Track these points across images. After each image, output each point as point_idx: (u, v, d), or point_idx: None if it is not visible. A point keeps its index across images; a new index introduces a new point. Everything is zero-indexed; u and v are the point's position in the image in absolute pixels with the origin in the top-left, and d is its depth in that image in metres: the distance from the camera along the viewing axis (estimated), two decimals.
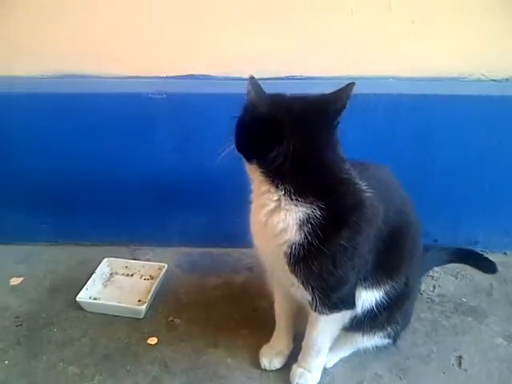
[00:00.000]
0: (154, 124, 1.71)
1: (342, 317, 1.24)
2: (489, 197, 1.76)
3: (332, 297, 1.17)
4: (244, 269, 1.73)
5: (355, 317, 1.26)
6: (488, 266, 1.72)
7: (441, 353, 1.45)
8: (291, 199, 1.08)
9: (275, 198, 1.10)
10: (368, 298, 1.23)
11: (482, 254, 1.76)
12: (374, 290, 1.23)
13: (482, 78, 1.67)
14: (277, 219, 1.10)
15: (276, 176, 1.08)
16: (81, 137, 1.73)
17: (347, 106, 1.08)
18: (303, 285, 1.15)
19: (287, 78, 1.70)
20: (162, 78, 1.71)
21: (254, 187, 1.16)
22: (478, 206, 1.78)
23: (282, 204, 1.09)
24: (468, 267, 1.76)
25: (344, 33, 1.63)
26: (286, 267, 1.13)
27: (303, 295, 1.19)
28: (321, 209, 1.08)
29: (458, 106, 1.64)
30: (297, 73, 1.69)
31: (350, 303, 1.21)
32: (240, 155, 1.12)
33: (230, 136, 1.12)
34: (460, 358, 1.43)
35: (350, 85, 1.08)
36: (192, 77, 1.71)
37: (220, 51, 1.67)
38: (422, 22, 1.60)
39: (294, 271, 1.13)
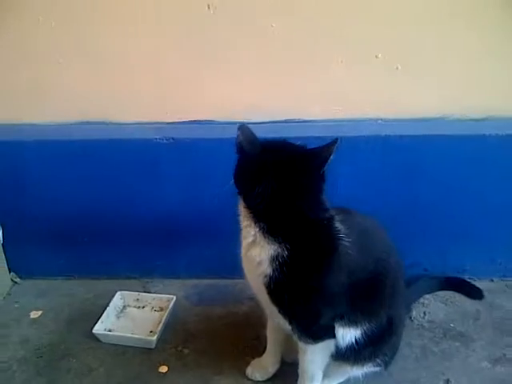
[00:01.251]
0: (162, 166, 1.83)
1: (328, 346, 1.34)
2: (474, 227, 1.87)
3: (309, 327, 1.29)
4: (247, 299, 1.83)
5: (340, 349, 1.36)
6: (475, 293, 1.86)
7: (430, 377, 1.55)
8: (264, 236, 1.21)
9: (252, 233, 1.23)
10: (346, 334, 1.33)
11: (469, 282, 1.89)
12: (351, 329, 1.33)
13: (463, 117, 1.79)
14: (254, 252, 1.24)
15: (255, 213, 1.21)
16: (93, 179, 1.86)
17: (330, 160, 1.19)
18: (281, 314, 1.28)
19: (285, 122, 1.83)
20: (169, 123, 1.84)
21: (241, 220, 1.28)
22: (464, 236, 1.88)
23: (257, 239, 1.23)
24: (457, 294, 1.87)
25: (335, 80, 1.76)
26: (267, 296, 1.27)
27: (285, 324, 1.31)
28: (288, 249, 1.20)
29: (442, 145, 1.77)
30: (294, 116, 1.83)
31: (329, 334, 1.32)
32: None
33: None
34: (448, 381, 1.53)
35: (335, 141, 1.20)
36: (197, 122, 1.84)
37: (223, 98, 1.80)
38: (405, 68, 1.73)
39: (272, 301, 1.27)
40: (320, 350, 1.36)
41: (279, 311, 1.29)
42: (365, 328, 1.34)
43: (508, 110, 1.78)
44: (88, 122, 1.86)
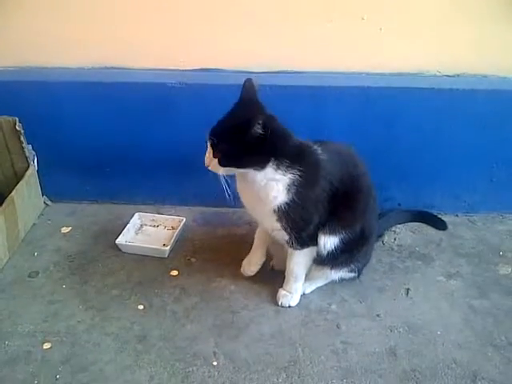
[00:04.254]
0: (175, 108, 2.08)
1: (311, 251, 1.66)
2: (444, 169, 2.13)
3: (302, 235, 1.60)
4: (244, 223, 2.13)
5: (322, 255, 1.66)
6: (440, 224, 2.13)
7: (393, 286, 1.85)
8: (281, 170, 1.52)
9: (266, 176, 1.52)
10: (327, 241, 1.62)
11: (436, 215, 2.16)
12: (331, 237, 1.62)
13: (438, 74, 2.05)
14: (269, 189, 1.54)
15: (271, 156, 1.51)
16: (117, 117, 2.11)
17: None
18: (283, 228, 1.58)
19: (281, 72, 2.09)
20: (182, 70, 2.09)
21: (243, 178, 1.58)
22: (434, 176, 2.15)
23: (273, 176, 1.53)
24: (424, 225, 2.15)
25: (326, 36, 2.01)
26: (274, 219, 1.58)
27: (283, 236, 1.62)
28: (299, 171, 1.51)
29: (418, 97, 2.02)
30: (289, 68, 2.09)
31: (313, 241, 1.63)
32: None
33: None
34: (408, 289, 1.83)
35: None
36: (206, 70, 2.09)
37: (230, 49, 2.05)
38: (388, 29, 1.98)
39: (279, 221, 1.57)
40: (304, 254, 1.67)
41: (282, 226, 1.59)
42: (342, 236, 1.64)
43: (477, 68, 2.05)
44: (116, 67, 2.12)
